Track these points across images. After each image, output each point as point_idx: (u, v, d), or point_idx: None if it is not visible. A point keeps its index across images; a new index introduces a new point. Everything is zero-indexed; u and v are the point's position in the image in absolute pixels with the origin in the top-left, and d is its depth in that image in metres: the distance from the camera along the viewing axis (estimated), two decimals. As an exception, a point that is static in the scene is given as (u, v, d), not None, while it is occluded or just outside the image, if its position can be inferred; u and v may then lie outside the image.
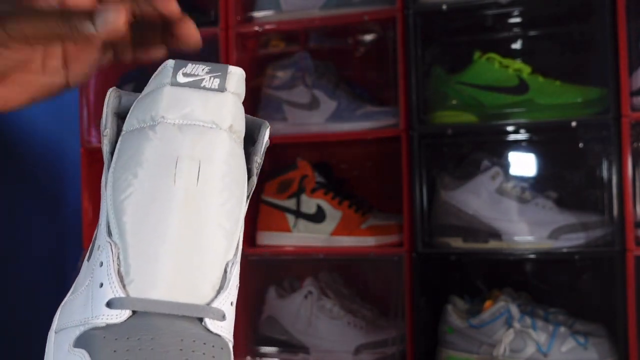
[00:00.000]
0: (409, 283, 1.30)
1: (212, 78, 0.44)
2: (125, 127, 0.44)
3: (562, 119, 1.25)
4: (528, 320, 1.23)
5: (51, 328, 0.43)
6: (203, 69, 0.44)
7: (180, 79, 0.44)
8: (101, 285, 0.40)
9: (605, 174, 1.26)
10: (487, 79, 1.30)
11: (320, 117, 1.43)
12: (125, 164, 0.42)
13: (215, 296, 0.41)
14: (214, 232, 0.41)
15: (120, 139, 0.44)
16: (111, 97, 0.46)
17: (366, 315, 1.42)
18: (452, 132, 1.32)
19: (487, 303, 1.27)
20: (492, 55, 1.31)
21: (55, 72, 0.55)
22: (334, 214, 1.41)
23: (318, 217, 1.42)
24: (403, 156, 1.32)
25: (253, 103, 1.48)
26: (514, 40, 1.45)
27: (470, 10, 1.32)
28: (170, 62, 0.45)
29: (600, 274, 1.36)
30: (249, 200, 0.46)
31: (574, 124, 1.24)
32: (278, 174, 1.46)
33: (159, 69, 0.45)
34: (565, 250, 1.25)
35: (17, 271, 1.86)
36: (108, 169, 0.44)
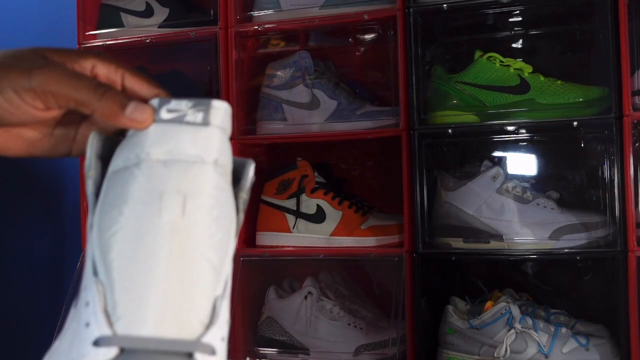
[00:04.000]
0: (410, 283, 1.30)
1: (196, 112, 0.44)
2: (111, 168, 0.44)
3: (563, 118, 1.25)
4: (529, 321, 1.22)
5: None
6: (187, 104, 0.44)
7: (164, 115, 0.44)
8: (87, 324, 0.40)
9: (606, 174, 1.25)
10: (488, 78, 1.30)
11: (320, 117, 1.42)
12: (110, 203, 0.42)
13: (205, 331, 0.40)
14: (201, 266, 0.41)
15: (106, 179, 0.44)
16: (94, 140, 0.46)
17: (366, 316, 1.42)
18: (453, 132, 1.31)
19: (488, 304, 1.26)
20: (493, 54, 1.31)
21: (63, 142, 0.54)
22: (334, 214, 1.40)
23: (318, 217, 1.41)
24: (403, 156, 1.31)
25: (253, 103, 1.48)
26: (515, 40, 1.44)
27: (471, 9, 1.32)
28: (154, 100, 0.45)
29: (602, 274, 1.36)
30: (237, 237, 0.45)
31: (575, 123, 1.23)
32: (278, 174, 1.45)
33: None
34: (566, 250, 1.25)
35: (17, 271, 1.86)
36: (93, 210, 0.43)
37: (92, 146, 0.46)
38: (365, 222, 1.39)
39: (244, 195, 0.46)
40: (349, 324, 1.38)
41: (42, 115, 0.49)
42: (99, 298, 0.40)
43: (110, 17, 1.56)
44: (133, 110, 0.44)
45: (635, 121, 1.19)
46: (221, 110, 0.44)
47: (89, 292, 0.40)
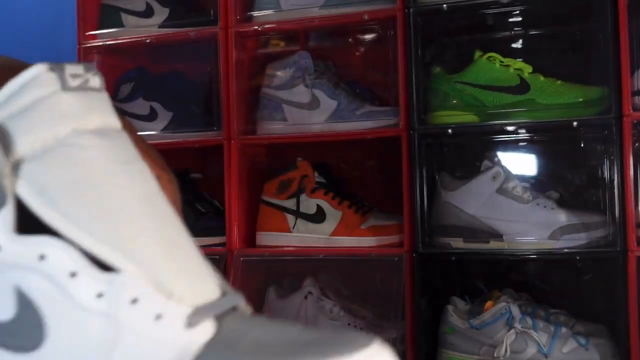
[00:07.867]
0: (409, 283, 1.30)
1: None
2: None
3: (563, 118, 1.25)
4: (529, 321, 1.22)
5: None
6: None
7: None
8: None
9: (606, 174, 1.25)
10: (487, 78, 1.30)
11: (320, 117, 1.43)
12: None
13: None
14: None
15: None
16: None
17: (366, 315, 1.42)
18: (453, 132, 1.31)
19: (488, 304, 1.26)
20: (493, 54, 1.31)
21: None
22: (334, 214, 1.40)
23: (318, 217, 1.41)
24: (403, 156, 1.31)
25: (253, 103, 1.48)
26: (515, 40, 1.44)
27: (471, 10, 1.32)
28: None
29: (602, 274, 1.35)
30: None
31: (575, 123, 1.23)
32: (278, 174, 1.45)
33: None
34: (566, 250, 1.25)
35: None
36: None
37: None
38: (365, 222, 1.39)
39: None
40: (349, 324, 1.38)
41: None
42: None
43: (110, 17, 1.56)
44: None
45: (635, 121, 1.19)
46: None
47: None
